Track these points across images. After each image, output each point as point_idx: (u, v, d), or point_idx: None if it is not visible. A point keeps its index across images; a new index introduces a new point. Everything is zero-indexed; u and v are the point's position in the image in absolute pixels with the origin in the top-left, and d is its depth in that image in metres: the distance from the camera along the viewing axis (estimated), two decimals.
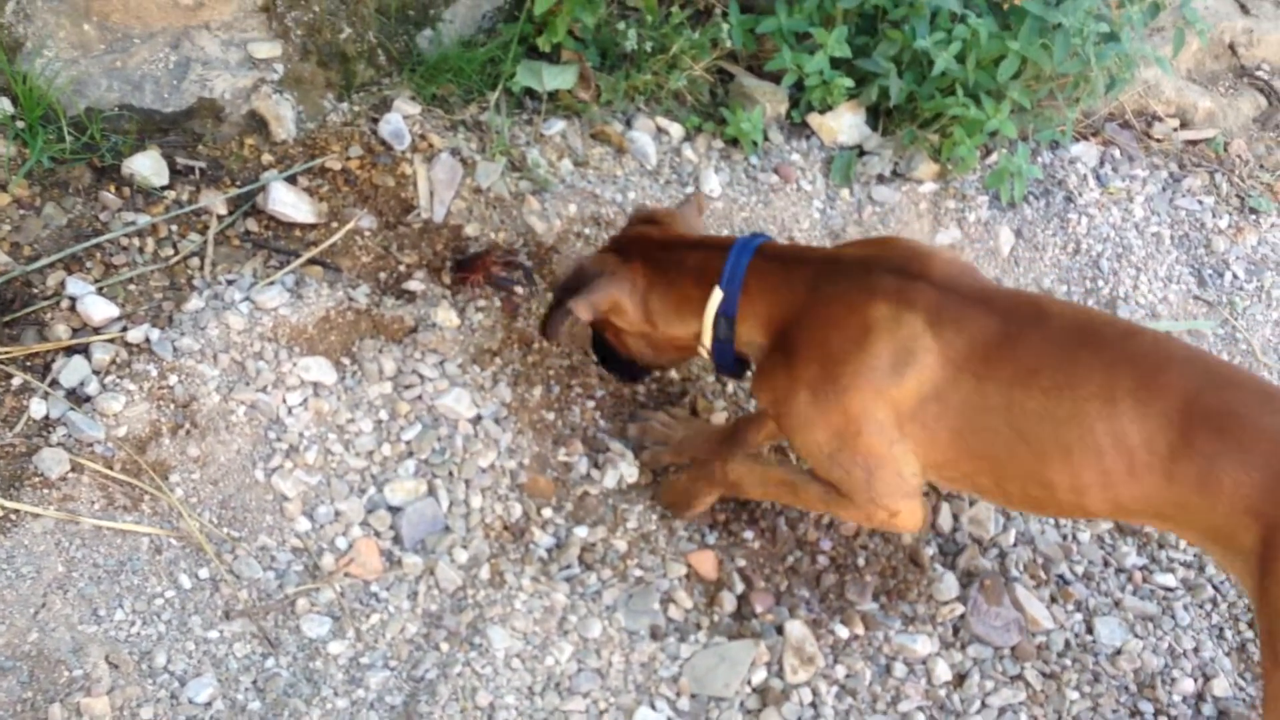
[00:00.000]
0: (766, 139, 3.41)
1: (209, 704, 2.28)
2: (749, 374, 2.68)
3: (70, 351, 2.54)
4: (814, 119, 3.46)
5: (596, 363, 2.86)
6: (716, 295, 2.50)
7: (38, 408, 2.45)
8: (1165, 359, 2.31)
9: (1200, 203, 3.74)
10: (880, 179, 3.44)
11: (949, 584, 2.80)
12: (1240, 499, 2.19)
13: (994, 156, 3.55)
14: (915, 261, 2.44)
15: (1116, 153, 3.75)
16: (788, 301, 2.45)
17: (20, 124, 2.73)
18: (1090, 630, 2.82)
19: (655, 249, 2.60)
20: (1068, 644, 2.79)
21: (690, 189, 3.24)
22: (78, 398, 2.49)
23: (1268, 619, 2.22)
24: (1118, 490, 2.28)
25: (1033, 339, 2.33)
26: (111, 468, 2.44)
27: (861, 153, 3.47)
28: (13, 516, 2.33)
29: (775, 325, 2.46)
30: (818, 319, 2.41)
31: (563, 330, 2.61)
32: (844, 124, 3.46)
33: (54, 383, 2.49)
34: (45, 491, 2.37)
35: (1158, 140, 3.88)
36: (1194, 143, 3.92)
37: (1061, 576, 2.90)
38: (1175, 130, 3.92)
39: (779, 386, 2.44)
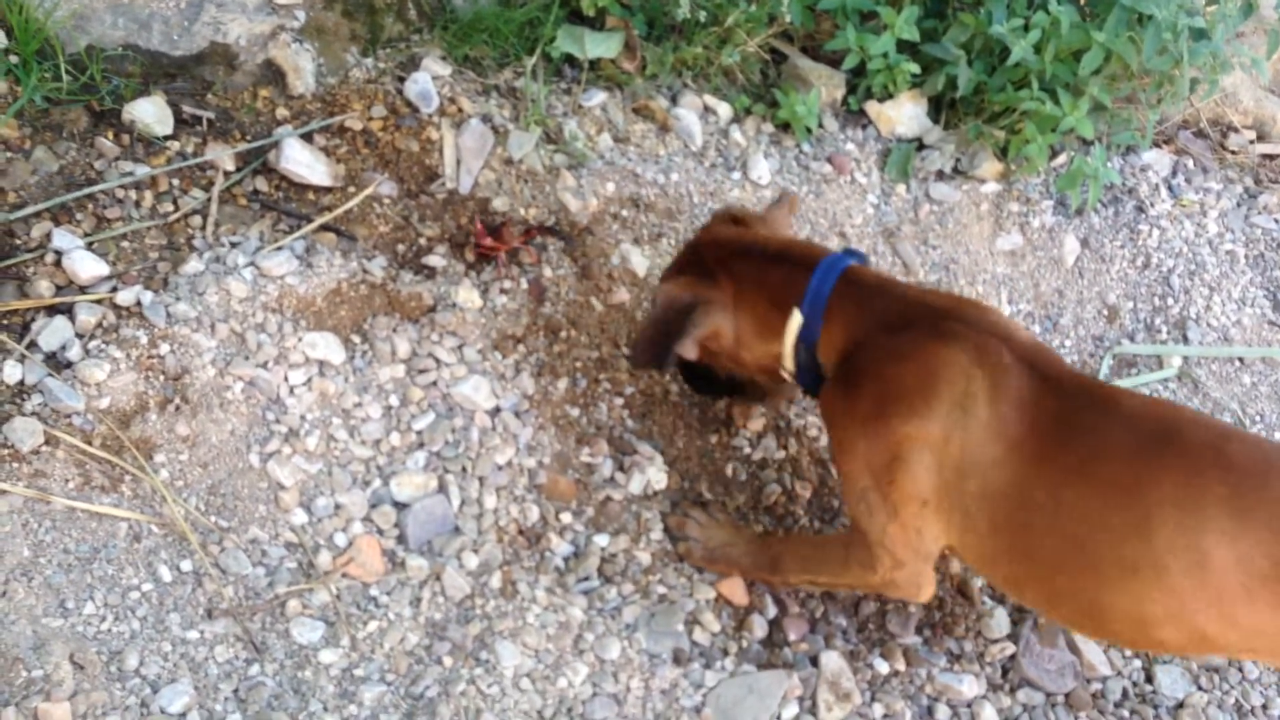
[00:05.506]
0: (820, 126, 3.17)
1: (183, 714, 2.06)
2: None
3: (52, 311, 2.32)
4: (872, 107, 3.22)
5: (687, 384, 2.71)
6: (796, 319, 2.31)
7: (12, 371, 2.24)
8: (1269, 465, 2.00)
9: (1277, 221, 3.50)
10: (940, 176, 3.21)
11: (1000, 620, 2.60)
12: None
13: (1061, 158, 3.31)
14: (997, 324, 2.24)
15: (1190, 163, 3.51)
16: (864, 330, 2.26)
17: (14, 59, 2.51)
18: (1150, 679, 2.62)
19: (736, 258, 2.39)
20: (1125, 693, 2.60)
21: (736, 174, 3.00)
22: (57, 363, 2.28)
23: None
24: (1198, 619, 2.00)
25: (1099, 426, 2.06)
26: (90, 443, 2.23)
27: (921, 146, 3.23)
28: None
29: (848, 349, 2.28)
30: (886, 352, 2.22)
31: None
32: (904, 114, 3.22)
33: (32, 344, 2.28)
34: (15, 465, 2.16)
35: (1233, 152, 3.64)
36: (1271, 157, 3.67)
37: None
38: (1252, 143, 3.67)
39: (836, 410, 2.29)
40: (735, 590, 2.50)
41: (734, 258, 2.39)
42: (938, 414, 2.13)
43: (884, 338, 2.23)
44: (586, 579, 2.45)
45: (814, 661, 2.45)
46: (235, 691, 2.12)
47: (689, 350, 2.35)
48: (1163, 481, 1.99)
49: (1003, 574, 2.20)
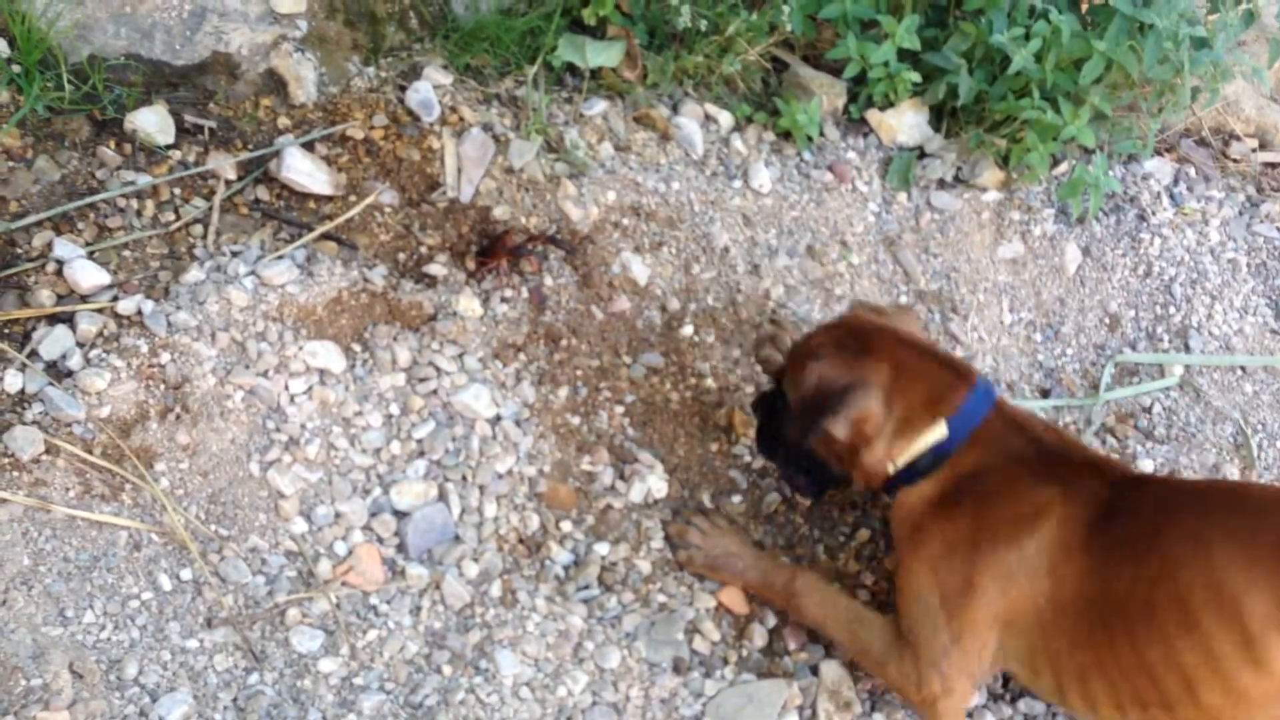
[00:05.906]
0: (821, 134, 3.17)
1: None
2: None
3: (53, 320, 2.33)
4: (873, 116, 3.22)
5: (778, 468, 2.62)
6: (940, 429, 2.32)
7: (13, 380, 2.25)
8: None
9: (1279, 229, 3.49)
10: (941, 184, 3.21)
11: None
12: None
13: (1063, 167, 3.30)
14: (1115, 467, 2.35)
15: (1191, 171, 3.51)
16: (991, 459, 2.31)
17: (16, 68, 2.51)
18: None
19: (901, 346, 2.38)
20: None
21: (737, 182, 3.01)
22: (58, 372, 2.28)
23: None
24: (1235, 674, 2.07)
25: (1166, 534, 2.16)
26: (91, 452, 2.24)
27: (922, 155, 3.23)
28: None
29: (968, 471, 2.32)
30: (995, 482, 2.29)
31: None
32: (905, 123, 3.22)
33: (33, 354, 2.28)
34: (15, 474, 2.16)
35: (1235, 161, 3.63)
36: (1273, 165, 3.67)
37: None
38: (1254, 151, 3.67)
39: (925, 522, 2.32)
40: (735, 599, 2.49)
41: (900, 346, 2.38)
42: (1024, 561, 2.21)
43: (1002, 469, 2.29)
44: (586, 587, 2.45)
45: (814, 670, 2.44)
46: (234, 700, 2.12)
47: (841, 429, 2.32)
48: (1179, 524, 2.13)
49: (1075, 691, 2.24)
